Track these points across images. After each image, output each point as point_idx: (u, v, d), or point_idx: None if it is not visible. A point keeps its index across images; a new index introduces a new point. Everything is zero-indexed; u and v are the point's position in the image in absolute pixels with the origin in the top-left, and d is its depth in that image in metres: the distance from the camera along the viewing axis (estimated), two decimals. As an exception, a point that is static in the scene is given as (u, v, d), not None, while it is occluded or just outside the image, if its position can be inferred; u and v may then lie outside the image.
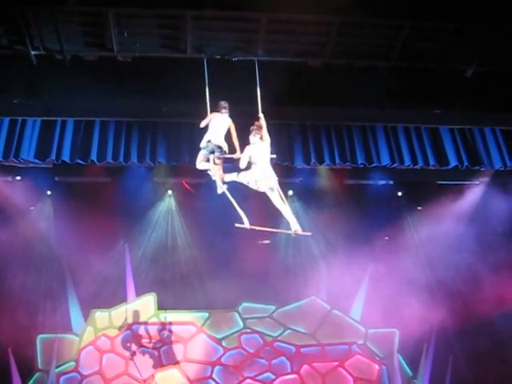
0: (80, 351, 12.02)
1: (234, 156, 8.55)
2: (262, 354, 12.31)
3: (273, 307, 12.65)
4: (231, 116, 8.83)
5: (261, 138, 8.53)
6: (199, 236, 12.70)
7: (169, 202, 12.96)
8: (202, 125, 8.76)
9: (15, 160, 10.27)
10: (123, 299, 12.44)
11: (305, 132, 10.68)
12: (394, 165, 10.77)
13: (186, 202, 12.82)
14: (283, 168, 10.27)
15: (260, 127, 8.59)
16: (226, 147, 8.63)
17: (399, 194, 13.07)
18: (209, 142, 8.58)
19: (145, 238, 12.80)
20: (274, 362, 12.28)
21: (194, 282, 12.52)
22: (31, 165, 10.91)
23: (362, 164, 10.70)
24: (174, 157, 10.45)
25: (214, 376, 12.11)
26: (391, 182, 12.84)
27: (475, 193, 12.70)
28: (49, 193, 12.44)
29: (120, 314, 12.36)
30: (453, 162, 10.76)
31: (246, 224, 8.38)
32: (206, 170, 8.68)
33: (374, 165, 10.74)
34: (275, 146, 8.85)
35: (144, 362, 11.97)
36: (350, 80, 10.22)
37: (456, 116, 10.74)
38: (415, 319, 11.94)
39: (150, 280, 12.50)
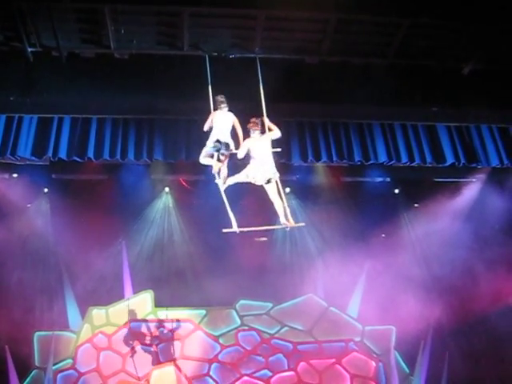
0: (77, 348, 12.00)
1: (239, 152, 8.57)
2: (259, 351, 12.30)
3: (270, 304, 12.65)
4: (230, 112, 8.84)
5: (260, 132, 8.55)
6: (196, 233, 12.67)
7: (166, 199, 12.96)
8: (206, 128, 8.70)
9: (12, 157, 10.21)
10: (120, 296, 12.43)
11: (302, 129, 10.66)
12: (391, 162, 10.74)
13: (183, 199, 12.82)
14: (280, 165, 10.21)
15: (256, 123, 8.60)
16: (232, 145, 8.62)
17: (396, 191, 13.07)
18: (217, 141, 8.50)
19: (142, 235, 12.80)
20: (270, 359, 12.25)
21: (191, 280, 12.48)
22: (28, 162, 10.83)
23: (358, 161, 10.67)
24: (171, 154, 10.40)
25: (211, 373, 12.08)
26: (388, 179, 12.85)
27: (472, 190, 12.73)
28: (46, 190, 12.42)
29: (117, 311, 12.34)
30: (450, 160, 10.74)
31: (235, 228, 8.37)
32: (209, 166, 8.65)
33: (370, 162, 10.71)
34: (272, 143, 8.82)
35: (141, 360, 11.94)
36: (347, 77, 10.25)
37: (453, 113, 10.74)
38: (412, 316, 11.93)
39: (147, 277, 12.47)
